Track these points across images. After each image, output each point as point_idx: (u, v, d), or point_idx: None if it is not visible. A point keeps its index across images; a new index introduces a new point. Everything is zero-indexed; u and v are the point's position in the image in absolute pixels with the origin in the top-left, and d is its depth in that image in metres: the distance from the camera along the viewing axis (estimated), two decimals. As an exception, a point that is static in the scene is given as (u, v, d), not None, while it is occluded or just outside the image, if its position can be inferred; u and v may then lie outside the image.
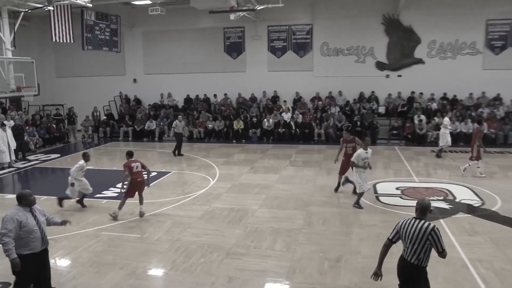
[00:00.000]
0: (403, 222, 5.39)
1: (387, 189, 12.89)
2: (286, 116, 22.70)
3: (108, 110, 25.77)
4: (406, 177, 14.47)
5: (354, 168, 10.94)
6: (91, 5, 17.80)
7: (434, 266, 7.57)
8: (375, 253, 8.19)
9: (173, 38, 25.29)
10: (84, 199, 11.51)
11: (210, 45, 25.04)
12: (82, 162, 11.17)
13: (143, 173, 10.66)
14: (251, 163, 16.82)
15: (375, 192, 12.60)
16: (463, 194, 12.20)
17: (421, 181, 13.89)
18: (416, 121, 21.29)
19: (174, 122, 18.86)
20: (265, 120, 22.38)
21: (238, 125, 22.44)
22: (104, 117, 25.10)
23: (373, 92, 23.58)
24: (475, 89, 22.69)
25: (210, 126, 22.81)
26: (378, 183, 13.57)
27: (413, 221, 5.29)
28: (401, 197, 12.04)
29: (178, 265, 7.85)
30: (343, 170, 12.34)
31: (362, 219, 10.25)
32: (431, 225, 5.18)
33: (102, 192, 12.70)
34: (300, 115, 22.62)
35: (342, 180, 12.36)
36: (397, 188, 12.92)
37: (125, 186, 10.48)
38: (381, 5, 22.70)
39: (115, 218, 10.36)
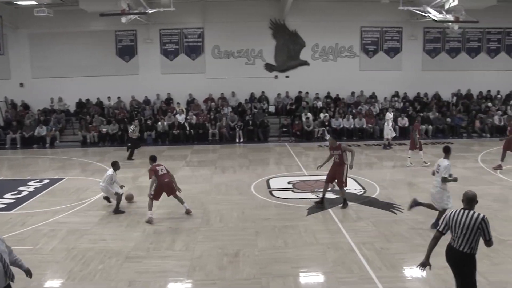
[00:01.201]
0: (451, 214, 5.50)
1: (280, 184, 13.29)
2: (180, 118, 22.47)
3: (-8, 116, 23.69)
4: (296, 171, 15.00)
5: (443, 183, 8.89)
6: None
7: (325, 252, 8.00)
8: (271, 245, 8.46)
9: (63, 40, 23.72)
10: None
11: (102, 48, 23.94)
12: (110, 171, 10.83)
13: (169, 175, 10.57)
14: (147, 166, 16.28)
15: (269, 187, 12.91)
16: (347, 184, 12.89)
17: (310, 174, 14.47)
18: (303, 119, 22.18)
19: (131, 128, 18.14)
20: (160, 122, 21.96)
21: (133, 128, 21.74)
22: (-12, 124, 23.05)
23: (263, 92, 24.15)
24: (354, 88, 24.33)
25: (104, 130, 21.88)
26: (271, 178, 13.92)
27: (462, 212, 5.41)
28: (292, 191, 12.46)
29: (75, 274, 7.43)
30: (330, 179, 10.96)
31: (257, 214, 10.44)
32: (481, 215, 5.32)
33: (-11, 204, 11.64)
34: (194, 116, 22.54)
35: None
36: (288, 183, 13.35)
37: (152, 192, 10.22)
38: (268, 11, 23.31)
39: (150, 221, 9.93)
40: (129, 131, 18.40)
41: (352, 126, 22.15)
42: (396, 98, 24.27)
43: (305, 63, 24.12)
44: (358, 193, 12.09)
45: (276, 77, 24.27)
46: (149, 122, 22.20)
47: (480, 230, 5.29)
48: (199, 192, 12.41)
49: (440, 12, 19.37)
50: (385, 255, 7.93)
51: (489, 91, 24.94)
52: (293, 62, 24.22)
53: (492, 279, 6.98)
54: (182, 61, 24.03)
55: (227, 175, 14.75)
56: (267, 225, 9.63)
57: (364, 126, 22.06)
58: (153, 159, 10.78)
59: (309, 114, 22.40)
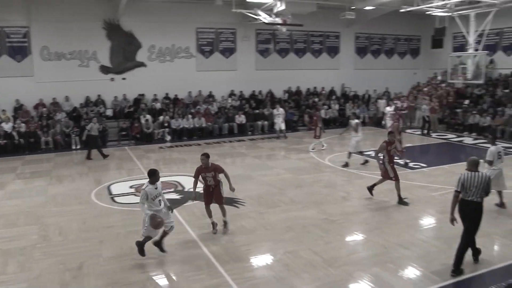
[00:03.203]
0: (465, 177, 7.14)
1: (122, 189, 13.00)
2: (7, 126, 20.36)
3: None
4: (138, 175, 14.75)
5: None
6: None
7: (173, 253, 8.10)
8: (116, 253, 8.29)
9: None
10: None
11: None
12: (145, 185, 7.85)
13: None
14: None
15: (110, 193, 12.56)
16: (190, 184, 13.15)
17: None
18: (143, 121, 21.87)
19: (90, 125, 17.75)
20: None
21: None
22: None
23: (99, 95, 23.14)
24: (192, 88, 24.72)
25: None
26: (112, 184, 13.55)
27: (473, 174, 7.15)
28: (135, 195, 12.23)
29: None
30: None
31: (99, 222, 10.11)
32: (486, 174, 7.37)
33: None
34: (23, 124, 20.64)
35: None
36: (131, 187, 13.16)
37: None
38: (101, 10, 22.36)
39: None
40: (88, 128, 17.87)
41: (192, 126, 22.53)
42: (232, 97, 25.30)
43: (141, 64, 23.79)
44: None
45: (112, 79, 23.47)
46: (-33, 132, 19.70)
47: (486, 185, 7.13)
48: (33, 206, 11.47)
49: (270, 15, 21.19)
50: (230, 248, 8.34)
51: (315, 87, 27.70)
52: (129, 63, 23.71)
53: (325, 256, 7.89)
54: (4, 63, 21.49)
55: (65, 185, 13.91)
56: (111, 232, 9.40)
57: (204, 125, 22.64)
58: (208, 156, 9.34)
59: (148, 116, 22.15)
